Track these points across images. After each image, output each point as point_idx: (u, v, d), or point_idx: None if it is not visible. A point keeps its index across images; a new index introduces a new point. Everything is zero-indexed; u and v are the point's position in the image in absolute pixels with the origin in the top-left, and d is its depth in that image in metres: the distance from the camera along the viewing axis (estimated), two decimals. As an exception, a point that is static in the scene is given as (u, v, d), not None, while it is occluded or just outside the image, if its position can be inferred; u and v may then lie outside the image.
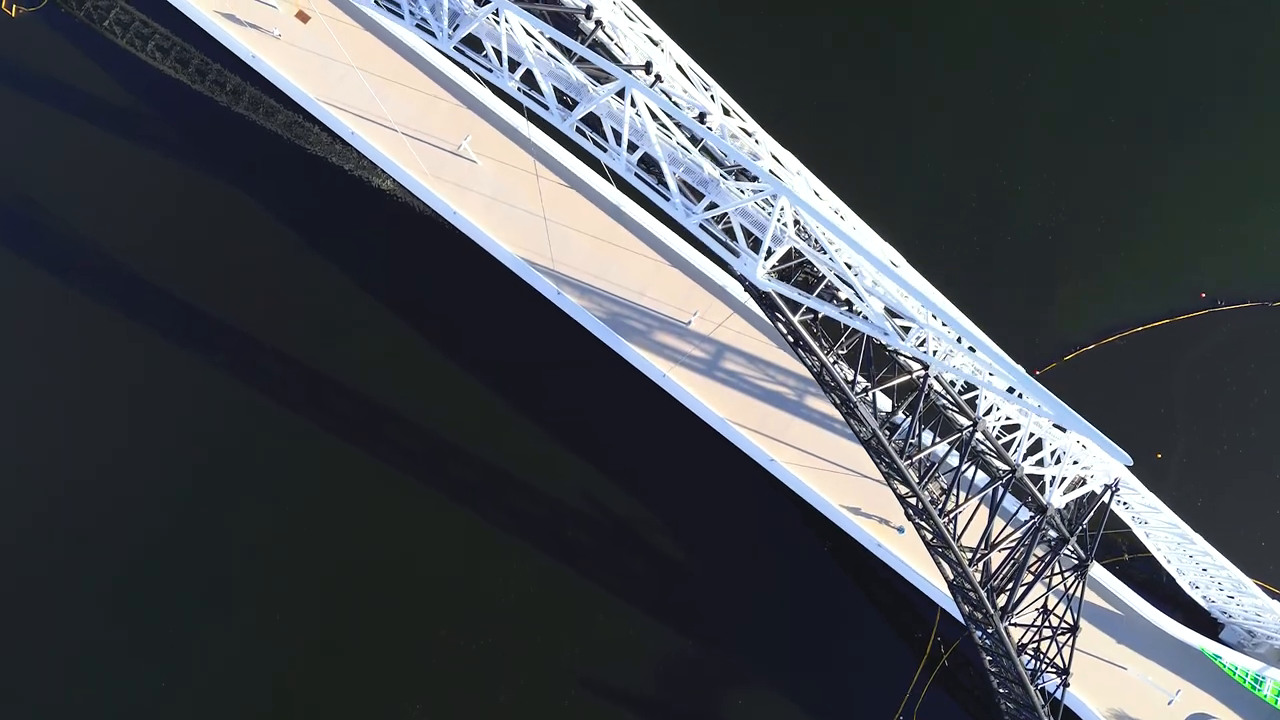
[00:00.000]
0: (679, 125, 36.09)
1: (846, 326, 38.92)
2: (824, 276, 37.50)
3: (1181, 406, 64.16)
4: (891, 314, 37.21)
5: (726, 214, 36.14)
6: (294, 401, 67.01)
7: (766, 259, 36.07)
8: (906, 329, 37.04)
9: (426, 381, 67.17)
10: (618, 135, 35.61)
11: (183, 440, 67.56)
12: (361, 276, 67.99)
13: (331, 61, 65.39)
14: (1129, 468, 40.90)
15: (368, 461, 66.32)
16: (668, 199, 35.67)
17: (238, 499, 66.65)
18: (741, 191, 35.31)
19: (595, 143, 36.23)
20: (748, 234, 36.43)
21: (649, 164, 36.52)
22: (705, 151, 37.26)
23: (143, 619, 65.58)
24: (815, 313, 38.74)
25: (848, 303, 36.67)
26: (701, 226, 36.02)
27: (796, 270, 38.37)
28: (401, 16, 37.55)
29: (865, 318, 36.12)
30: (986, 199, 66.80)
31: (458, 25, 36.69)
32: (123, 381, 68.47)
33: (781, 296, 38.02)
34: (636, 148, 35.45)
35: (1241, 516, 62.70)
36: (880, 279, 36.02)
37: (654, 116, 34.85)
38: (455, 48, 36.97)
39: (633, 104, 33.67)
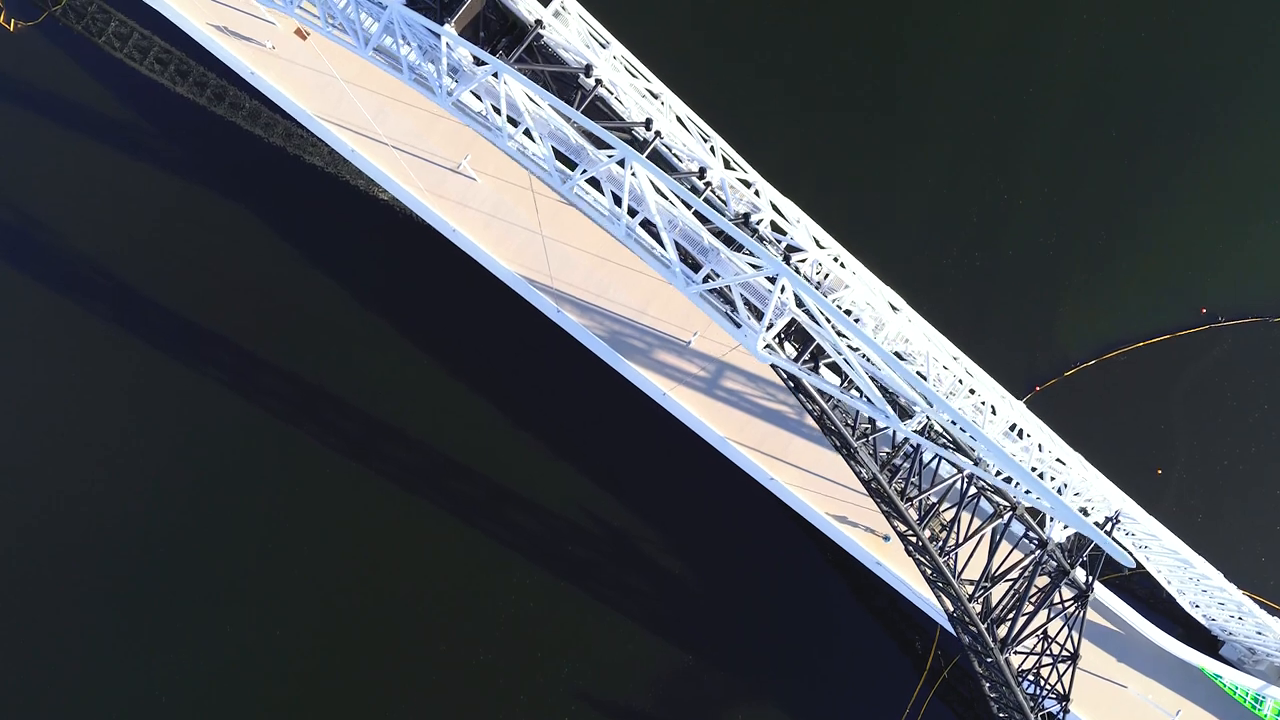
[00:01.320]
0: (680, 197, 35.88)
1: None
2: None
3: (1182, 422, 64.22)
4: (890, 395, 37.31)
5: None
6: (293, 413, 67.14)
7: (768, 330, 35.94)
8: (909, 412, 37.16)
9: (425, 396, 67.24)
10: (617, 199, 35.41)
11: (182, 449, 67.80)
12: (361, 288, 67.92)
13: (331, 78, 64.85)
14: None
15: (369, 474, 66.58)
16: (668, 267, 35.52)
17: (236, 508, 66.98)
18: (742, 266, 35.16)
19: (594, 207, 36.05)
20: (748, 302, 36.30)
21: (649, 225, 36.36)
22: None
23: (141, 625, 66.10)
24: (815, 363, 38.70)
25: (849, 380, 36.65)
26: (702, 296, 35.89)
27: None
28: (400, 71, 37.29)
29: (866, 399, 36.00)
30: (987, 215, 66.53)
31: (456, 82, 36.46)
32: (124, 384, 68.60)
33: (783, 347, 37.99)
34: (636, 212, 35.29)
35: (1242, 532, 62.99)
36: (883, 368, 36.03)
37: (655, 187, 34.69)
38: (454, 105, 36.77)
39: (633, 172, 33.48)
